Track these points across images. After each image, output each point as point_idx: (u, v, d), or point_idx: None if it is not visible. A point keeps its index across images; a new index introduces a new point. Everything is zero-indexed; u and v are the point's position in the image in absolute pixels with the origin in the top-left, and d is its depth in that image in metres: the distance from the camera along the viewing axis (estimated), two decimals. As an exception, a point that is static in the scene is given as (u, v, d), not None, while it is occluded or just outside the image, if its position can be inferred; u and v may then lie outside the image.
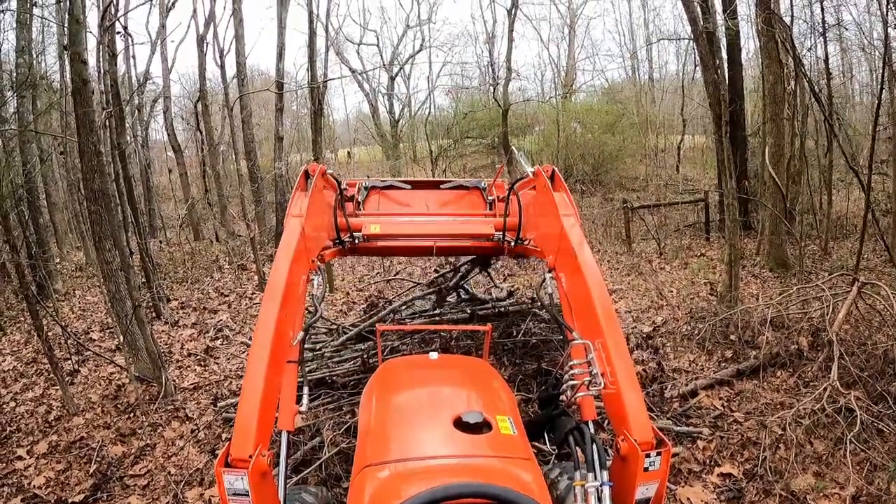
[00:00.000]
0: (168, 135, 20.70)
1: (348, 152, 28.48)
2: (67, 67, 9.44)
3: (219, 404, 6.48)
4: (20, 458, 5.91)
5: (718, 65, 11.68)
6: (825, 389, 5.28)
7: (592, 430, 3.02)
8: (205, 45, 17.01)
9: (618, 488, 2.69)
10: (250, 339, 8.62)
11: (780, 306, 7.26)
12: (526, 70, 49.98)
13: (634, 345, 7.33)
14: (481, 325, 5.32)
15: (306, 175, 4.70)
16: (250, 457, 2.47)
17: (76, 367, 8.01)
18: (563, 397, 3.31)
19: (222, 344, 8.83)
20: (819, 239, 11.83)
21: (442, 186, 6.25)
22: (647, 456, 2.60)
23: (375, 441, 2.95)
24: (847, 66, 17.10)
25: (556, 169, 4.76)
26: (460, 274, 7.79)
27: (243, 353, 8.25)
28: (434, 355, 4.04)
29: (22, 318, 10.76)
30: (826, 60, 11.43)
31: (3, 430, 6.50)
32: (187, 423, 6.30)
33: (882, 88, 8.96)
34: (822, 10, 11.56)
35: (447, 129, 25.40)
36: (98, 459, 5.72)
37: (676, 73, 26.29)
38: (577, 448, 2.99)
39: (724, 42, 13.47)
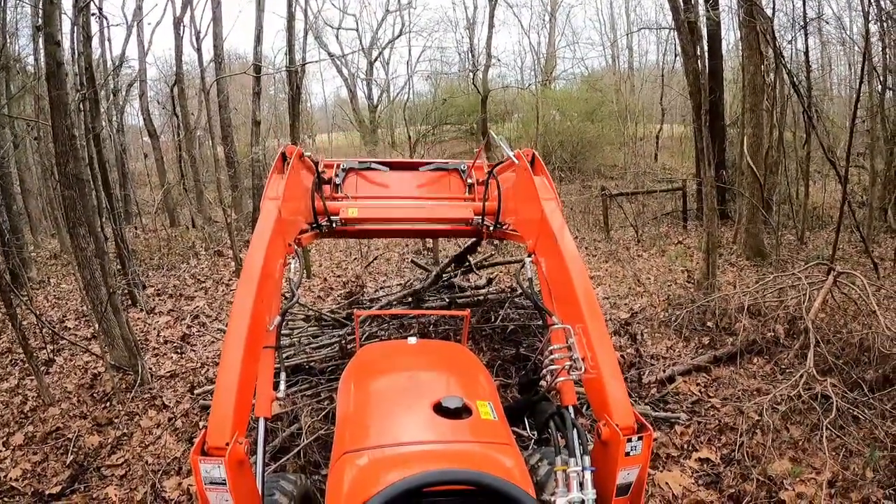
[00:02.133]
0: (144, 119, 20.42)
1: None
2: (41, 49, 9.27)
3: (196, 392, 6.44)
4: None
5: (699, 54, 11.75)
6: (801, 376, 5.36)
7: (573, 415, 3.00)
8: (182, 27, 16.82)
9: (599, 473, 2.66)
10: (227, 325, 8.62)
11: (757, 294, 7.36)
12: (506, 57, 50.11)
13: (612, 331, 7.38)
14: (460, 311, 5.24)
15: (283, 157, 4.64)
16: (227, 444, 2.41)
17: (51, 356, 7.91)
18: (543, 382, 3.28)
19: (199, 331, 8.77)
20: (795, 229, 11.97)
21: (421, 168, 6.19)
22: (629, 441, 2.58)
23: (354, 427, 2.93)
24: (826, 59, 17.27)
25: (536, 153, 4.70)
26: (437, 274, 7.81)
27: (220, 339, 8.15)
28: (412, 340, 4.02)
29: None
30: (806, 53, 11.51)
31: None
32: (164, 411, 6.25)
33: (861, 82, 9.08)
34: (804, 2, 11.63)
35: (426, 114, 25.33)
36: (75, 450, 5.66)
37: (656, 62, 26.38)
38: (557, 433, 2.96)
39: (704, 32, 13.51)
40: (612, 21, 32.81)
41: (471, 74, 25.79)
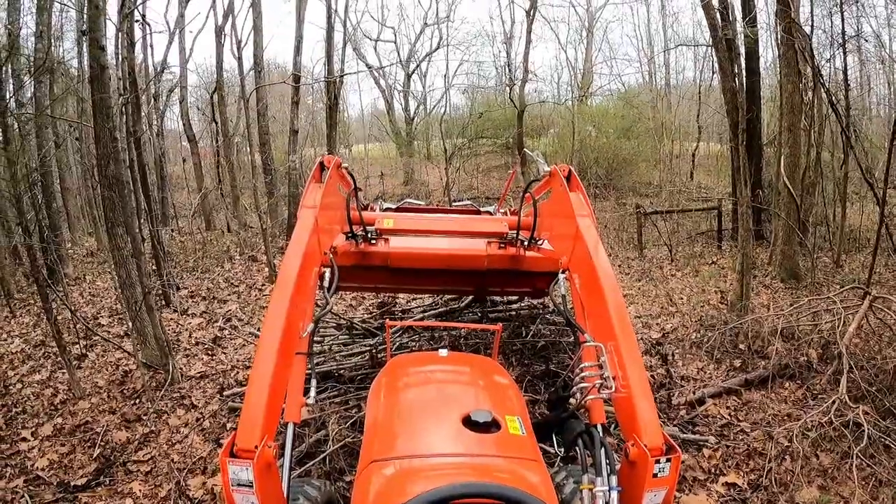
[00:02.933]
0: (183, 124, 20.87)
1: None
2: (86, 53, 9.52)
3: (225, 393, 6.55)
4: (24, 439, 5.99)
5: (736, 72, 11.74)
6: (833, 402, 5.29)
7: (601, 434, 3.01)
8: (223, 36, 17.12)
9: (625, 494, 2.68)
10: (259, 330, 8.67)
11: (791, 317, 7.27)
12: (542, 72, 50.28)
13: (643, 350, 7.34)
14: (491, 325, 5.25)
15: (321, 167, 4.69)
16: (256, 447, 2.46)
17: (84, 351, 8.10)
18: (572, 399, 3.28)
19: (230, 334, 8.90)
20: (831, 251, 11.80)
21: (454, 204, 6.22)
22: (657, 462, 2.60)
23: (383, 436, 2.95)
24: (865, 77, 17.01)
25: (572, 169, 4.75)
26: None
27: (251, 343, 8.33)
28: (444, 352, 3.99)
29: (32, 301, 10.89)
30: (845, 71, 11.40)
31: (8, 411, 6.59)
32: (192, 411, 6.35)
33: (901, 101, 8.91)
34: (843, 20, 11.52)
35: (462, 128, 25.50)
36: (102, 444, 5.78)
37: (693, 79, 26.27)
38: (585, 451, 3.00)
39: (742, 49, 13.42)
40: (650, 37, 32.66)
41: (507, 89, 25.95)
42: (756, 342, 7.05)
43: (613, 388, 2.97)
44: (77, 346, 8.15)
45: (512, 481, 2.35)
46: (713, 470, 5.07)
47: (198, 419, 6.12)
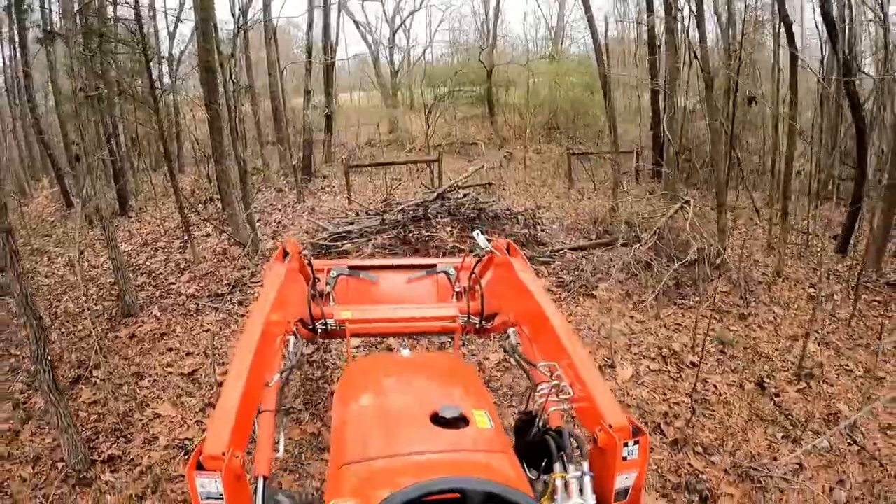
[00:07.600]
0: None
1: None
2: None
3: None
4: (171, 282, 9.33)
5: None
6: (637, 248, 9.26)
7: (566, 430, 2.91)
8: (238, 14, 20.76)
9: (598, 480, 2.61)
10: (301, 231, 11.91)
11: (635, 212, 11.32)
12: (517, 28, 52.58)
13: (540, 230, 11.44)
14: (449, 314, 5.05)
15: (284, 252, 4.78)
16: (224, 454, 2.29)
17: (184, 243, 10.99)
18: (538, 419, 3.08)
19: (283, 231, 12.25)
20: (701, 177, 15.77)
21: (410, 278, 6.16)
22: (625, 445, 2.55)
23: (351, 439, 2.89)
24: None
25: (511, 242, 4.95)
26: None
27: (306, 231, 11.86)
28: (406, 352, 4.04)
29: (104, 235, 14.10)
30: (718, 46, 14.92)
31: (146, 273, 9.86)
32: (279, 263, 9.94)
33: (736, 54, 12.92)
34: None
35: (442, 81, 27.75)
36: (226, 280, 9.18)
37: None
38: (554, 444, 2.84)
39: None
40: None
41: (480, 49, 28.26)
42: (610, 226, 11.17)
43: (571, 394, 2.92)
44: (181, 239, 11.49)
45: (483, 474, 2.33)
46: (550, 273, 9.18)
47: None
